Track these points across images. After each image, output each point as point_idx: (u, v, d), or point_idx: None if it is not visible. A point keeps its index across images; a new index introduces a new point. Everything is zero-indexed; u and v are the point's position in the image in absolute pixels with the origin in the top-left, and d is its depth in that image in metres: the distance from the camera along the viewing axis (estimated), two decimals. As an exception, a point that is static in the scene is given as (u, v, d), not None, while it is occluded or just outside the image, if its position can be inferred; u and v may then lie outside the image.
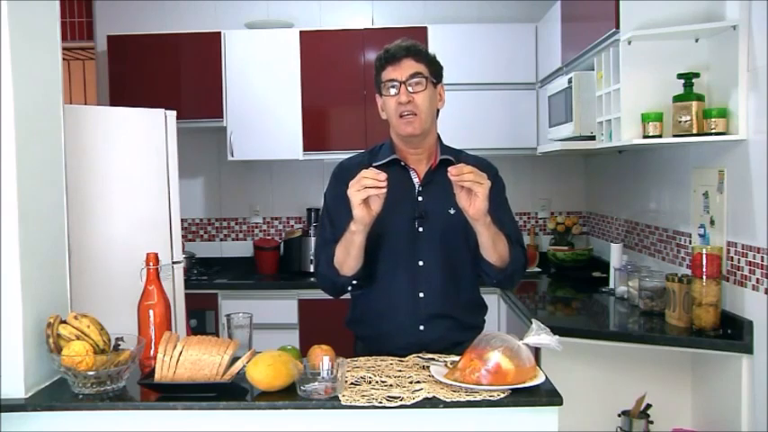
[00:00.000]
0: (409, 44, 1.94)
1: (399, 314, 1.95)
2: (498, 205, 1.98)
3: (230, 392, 1.56)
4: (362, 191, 1.73)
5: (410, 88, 1.90)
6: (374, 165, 1.96)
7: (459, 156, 2.03)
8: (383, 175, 1.73)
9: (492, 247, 1.86)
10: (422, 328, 1.95)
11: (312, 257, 4.11)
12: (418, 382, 1.60)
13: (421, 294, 1.95)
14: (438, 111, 2.01)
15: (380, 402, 1.48)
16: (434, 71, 1.96)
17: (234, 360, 1.60)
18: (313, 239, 4.16)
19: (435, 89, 1.96)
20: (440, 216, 1.92)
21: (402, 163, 1.98)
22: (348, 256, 1.86)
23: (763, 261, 2.23)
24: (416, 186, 1.97)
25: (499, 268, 1.90)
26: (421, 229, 1.94)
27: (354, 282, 1.92)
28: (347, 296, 2.08)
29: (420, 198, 1.96)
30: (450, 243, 1.95)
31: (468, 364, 1.54)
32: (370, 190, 1.72)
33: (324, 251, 1.95)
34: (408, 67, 1.91)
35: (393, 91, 1.91)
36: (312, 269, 4.07)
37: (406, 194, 1.96)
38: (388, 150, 2.01)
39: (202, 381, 1.56)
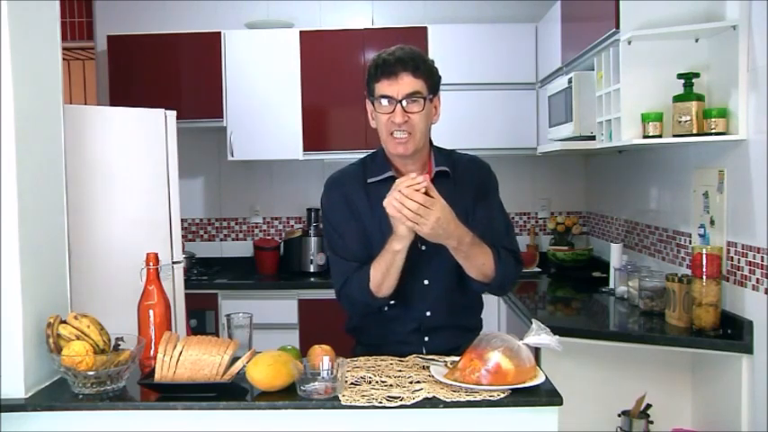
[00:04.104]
0: (407, 56, 1.79)
1: (405, 330, 1.93)
2: (491, 206, 1.94)
3: (230, 392, 1.56)
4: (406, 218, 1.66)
5: (406, 107, 1.78)
6: (368, 181, 1.91)
7: (452, 157, 1.96)
8: (420, 181, 1.65)
9: (467, 266, 1.82)
10: (426, 339, 1.93)
11: (312, 257, 4.18)
12: (418, 382, 1.60)
13: (428, 313, 1.93)
14: (431, 125, 1.89)
15: (380, 402, 1.48)
16: (432, 84, 1.83)
17: (234, 360, 1.60)
18: (313, 239, 4.18)
19: (431, 103, 1.84)
20: None
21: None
22: (389, 276, 1.79)
23: (763, 261, 2.23)
24: None
25: (481, 282, 1.86)
26: (424, 248, 1.87)
27: (392, 302, 1.88)
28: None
29: None
30: (453, 258, 1.84)
31: (468, 364, 1.54)
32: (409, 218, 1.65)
33: (357, 275, 1.85)
34: (406, 84, 1.77)
35: (387, 106, 1.79)
36: (313, 269, 4.17)
37: None
38: (381, 163, 1.92)
39: (202, 381, 1.56)
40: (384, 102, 1.81)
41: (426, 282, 1.91)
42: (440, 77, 1.87)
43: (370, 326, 1.99)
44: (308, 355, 1.65)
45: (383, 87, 1.81)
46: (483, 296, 2.08)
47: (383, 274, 1.80)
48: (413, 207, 1.64)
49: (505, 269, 1.86)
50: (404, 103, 1.78)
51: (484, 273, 1.84)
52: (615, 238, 3.76)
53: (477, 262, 1.82)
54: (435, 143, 1.99)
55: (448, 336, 1.93)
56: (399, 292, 1.88)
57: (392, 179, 1.87)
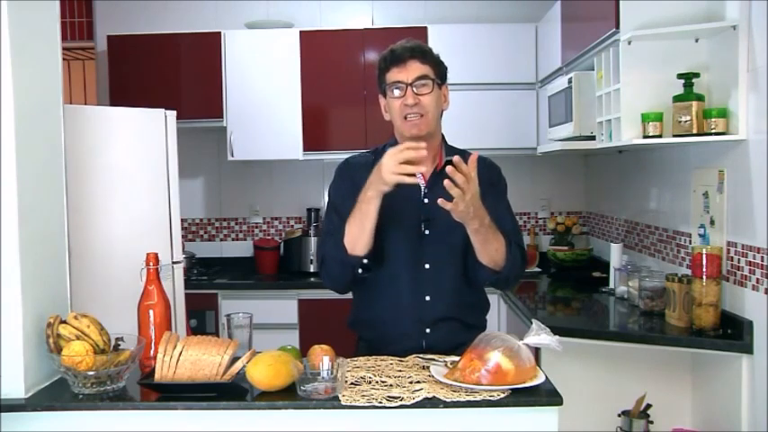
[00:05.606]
0: (414, 45, 1.92)
1: (405, 318, 1.94)
2: (499, 205, 1.97)
3: (230, 392, 1.56)
4: (399, 176, 1.71)
5: (416, 90, 1.87)
6: None
7: (465, 156, 2.01)
8: (422, 149, 1.72)
9: (482, 250, 1.86)
10: (428, 331, 1.94)
11: (312, 257, 4.18)
12: (418, 382, 1.60)
13: (427, 298, 1.94)
14: (442, 112, 1.99)
15: (380, 402, 1.48)
16: (439, 72, 1.93)
17: (234, 360, 1.60)
18: (313, 239, 4.17)
19: (440, 90, 1.94)
20: (446, 218, 1.83)
21: None
22: (363, 230, 1.81)
23: (763, 261, 2.23)
24: (422, 189, 1.96)
25: (492, 270, 1.89)
26: (427, 232, 1.93)
27: (365, 261, 1.86)
28: (349, 296, 2.08)
29: (426, 200, 1.95)
30: (456, 245, 1.92)
31: (468, 364, 1.54)
32: (406, 178, 1.71)
33: (332, 237, 1.89)
34: (414, 69, 1.88)
35: (398, 93, 1.89)
36: (313, 269, 4.18)
37: (411, 197, 1.95)
38: None
39: (202, 381, 1.56)
40: (396, 91, 1.90)
41: (427, 266, 1.94)
42: (446, 68, 1.97)
43: (370, 316, 2.00)
44: (308, 355, 1.65)
45: (394, 74, 1.90)
46: (487, 295, 2.09)
47: (358, 228, 1.82)
48: (459, 179, 1.68)
49: (514, 260, 1.90)
50: (414, 86, 1.88)
51: (495, 260, 1.88)
52: (615, 238, 3.76)
53: (492, 247, 1.85)
54: None
55: (449, 329, 1.94)
56: (399, 276, 1.92)
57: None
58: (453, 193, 1.69)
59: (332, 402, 1.50)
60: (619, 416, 2.60)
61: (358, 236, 1.83)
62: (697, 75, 2.42)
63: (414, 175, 1.73)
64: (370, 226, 1.82)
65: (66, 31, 4.36)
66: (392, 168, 1.72)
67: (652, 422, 2.57)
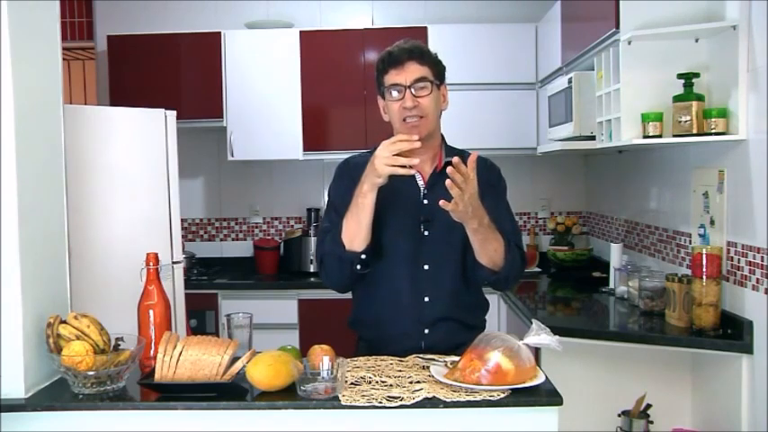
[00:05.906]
0: (412, 46, 1.90)
1: (404, 318, 1.94)
2: (499, 206, 1.97)
3: (230, 392, 1.56)
4: (392, 167, 1.71)
5: (414, 92, 1.86)
6: None
7: (464, 156, 2.01)
8: (414, 141, 1.73)
9: (481, 250, 1.86)
10: (427, 331, 1.94)
11: (312, 257, 4.18)
12: (418, 382, 1.60)
13: (426, 298, 1.94)
14: (441, 112, 1.98)
15: (380, 402, 1.48)
16: (438, 72, 1.92)
17: (234, 360, 1.60)
18: (313, 239, 4.17)
19: (439, 91, 1.93)
20: (445, 219, 1.82)
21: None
22: (360, 224, 1.81)
23: (763, 261, 2.23)
24: (422, 189, 1.96)
25: (490, 270, 1.89)
26: (426, 233, 1.93)
27: (363, 256, 1.85)
28: (349, 296, 2.08)
29: (425, 201, 1.95)
30: (455, 246, 1.93)
31: (468, 364, 1.54)
32: (399, 169, 1.72)
33: (329, 234, 1.89)
34: (412, 70, 1.87)
35: (397, 95, 1.88)
36: (313, 269, 4.18)
37: (411, 198, 1.95)
38: None
39: (202, 381, 1.56)
40: (395, 93, 1.89)
41: (426, 267, 1.94)
42: (444, 67, 1.96)
43: (370, 316, 2.00)
44: (308, 355, 1.65)
45: (392, 77, 1.89)
46: (486, 296, 2.09)
47: (355, 222, 1.82)
48: (458, 179, 1.69)
49: (513, 260, 1.90)
50: (412, 88, 1.87)
51: (494, 260, 1.88)
52: (615, 238, 3.76)
53: (491, 247, 1.85)
54: None
55: (448, 330, 1.94)
56: (398, 276, 1.92)
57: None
58: (453, 192, 1.69)
59: (332, 402, 1.50)
60: (619, 416, 2.60)
61: (355, 231, 1.83)
62: (697, 75, 2.42)
63: (407, 166, 1.73)
64: (367, 220, 1.81)
65: (66, 31, 4.36)
66: (385, 160, 1.72)
67: (652, 422, 2.57)
